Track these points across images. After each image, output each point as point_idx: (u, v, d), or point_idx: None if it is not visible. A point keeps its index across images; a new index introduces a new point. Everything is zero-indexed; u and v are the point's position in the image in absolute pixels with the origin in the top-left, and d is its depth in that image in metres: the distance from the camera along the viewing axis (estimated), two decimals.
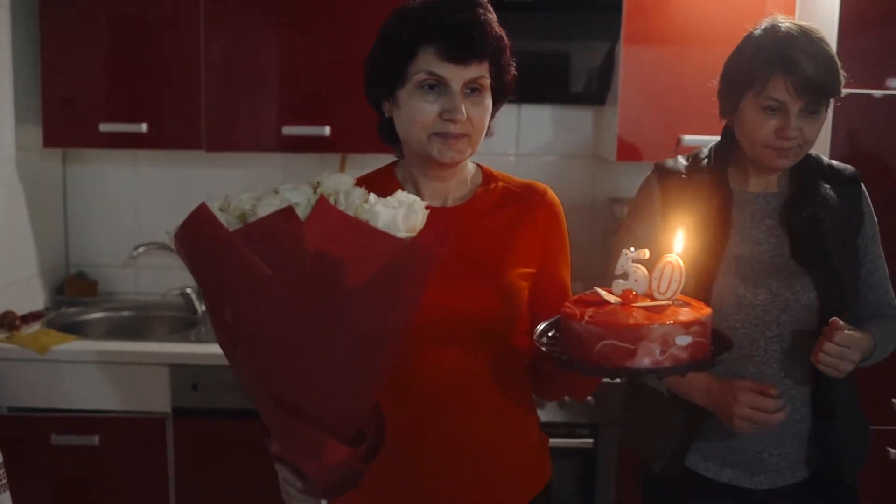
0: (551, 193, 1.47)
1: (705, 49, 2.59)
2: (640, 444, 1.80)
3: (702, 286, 1.62)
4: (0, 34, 2.61)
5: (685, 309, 1.16)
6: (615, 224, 2.89)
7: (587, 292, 1.24)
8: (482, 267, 1.38)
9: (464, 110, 1.30)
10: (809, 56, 1.54)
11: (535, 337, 1.24)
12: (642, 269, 1.19)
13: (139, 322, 2.94)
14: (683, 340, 1.11)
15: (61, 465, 2.51)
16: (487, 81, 1.34)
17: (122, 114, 2.66)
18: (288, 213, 0.97)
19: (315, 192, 1.02)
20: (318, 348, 1.05)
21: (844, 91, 2.56)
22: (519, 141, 3.04)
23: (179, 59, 2.64)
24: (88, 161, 3.05)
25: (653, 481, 1.81)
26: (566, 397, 2.45)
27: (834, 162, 1.76)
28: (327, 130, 2.62)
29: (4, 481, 1.82)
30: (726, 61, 1.70)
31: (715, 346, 1.18)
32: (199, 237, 1.01)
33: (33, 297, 2.86)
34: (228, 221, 1.02)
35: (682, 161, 1.76)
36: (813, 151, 1.71)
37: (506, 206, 1.44)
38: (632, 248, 1.20)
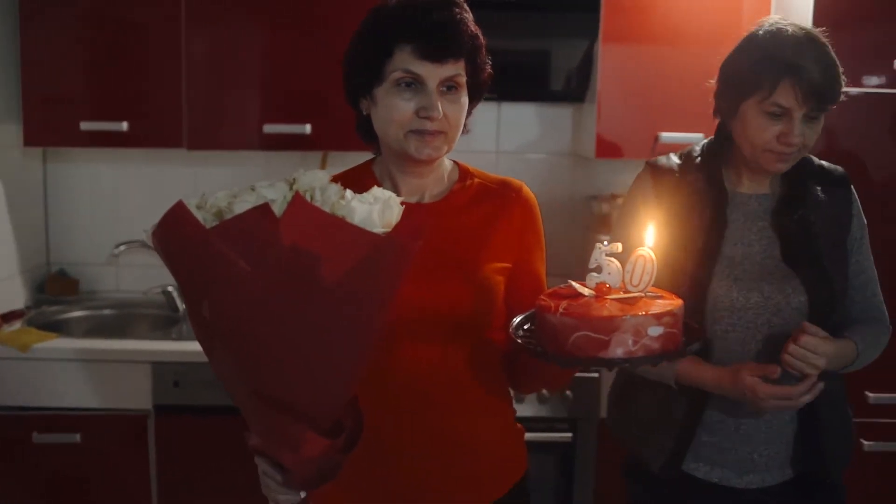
0: (527, 189, 1.49)
1: (683, 47, 2.63)
2: (635, 443, 1.78)
3: (696, 288, 1.62)
4: None
5: (657, 301, 1.19)
6: (594, 220, 2.92)
7: (562, 286, 1.26)
8: (458, 262, 1.40)
9: (440, 108, 1.32)
10: (817, 63, 1.53)
11: (511, 330, 1.27)
12: (615, 263, 1.21)
13: (121, 320, 2.95)
14: (655, 331, 1.14)
15: (43, 463, 2.51)
16: (463, 79, 1.36)
17: (103, 112, 2.66)
18: (264, 209, 0.98)
19: (291, 188, 1.04)
20: (295, 343, 1.06)
21: None
22: (499, 139, 3.07)
23: (161, 57, 2.64)
24: (69, 159, 3.05)
25: (640, 481, 1.81)
26: (545, 391, 2.48)
27: (824, 163, 1.76)
28: (308, 128, 2.63)
29: None
30: (725, 62, 1.67)
31: (687, 337, 1.21)
32: (176, 235, 1.02)
33: (14, 296, 2.85)
34: (205, 219, 1.03)
35: (675, 159, 1.74)
36: None
37: (482, 203, 1.46)
38: (605, 242, 1.22)
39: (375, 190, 1.08)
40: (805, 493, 1.71)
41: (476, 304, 1.40)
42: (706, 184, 1.68)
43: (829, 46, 1.57)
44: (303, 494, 1.22)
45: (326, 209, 1.02)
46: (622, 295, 1.20)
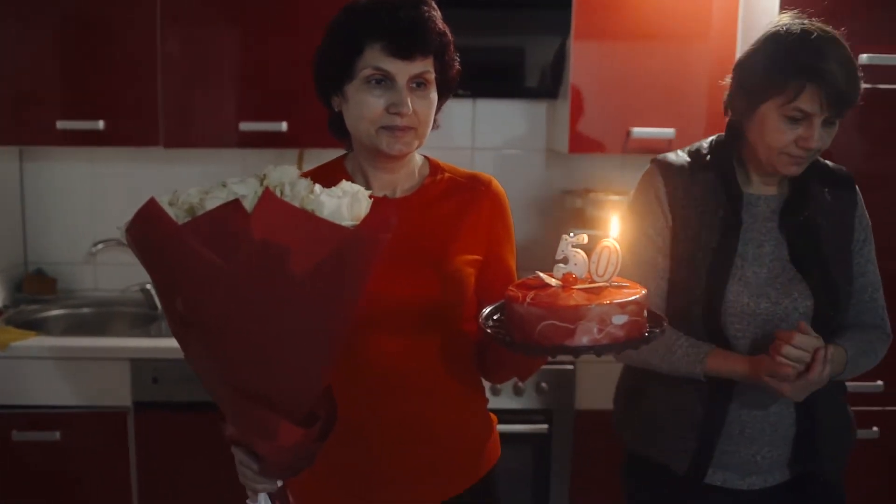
0: (496, 183, 1.52)
1: (653, 44, 2.67)
2: (645, 443, 1.75)
3: (714, 287, 1.61)
4: None
5: (622, 290, 1.22)
6: (569, 215, 2.95)
7: (530, 277, 1.29)
8: (429, 255, 1.43)
9: (409, 104, 1.35)
10: (841, 67, 1.51)
11: (480, 320, 1.29)
12: (582, 254, 1.24)
13: (99, 318, 2.95)
14: (620, 319, 1.17)
15: (23, 461, 2.51)
16: (432, 76, 1.39)
17: (79, 111, 2.66)
18: (235, 205, 1.00)
19: (261, 184, 1.06)
20: (268, 335, 1.08)
21: None
22: (475, 135, 3.09)
23: (136, 55, 2.64)
24: (45, 158, 3.05)
25: (643, 481, 1.79)
26: (521, 384, 2.52)
27: (829, 163, 1.73)
28: (284, 126, 2.65)
29: None
30: (743, 60, 1.63)
31: (651, 325, 1.24)
32: (149, 231, 1.04)
33: None
34: (177, 215, 1.05)
35: (684, 156, 1.71)
36: None
37: (452, 196, 1.48)
38: (572, 234, 1.25)
39: (344, 184, 1.11)
40: (804, 492, 1.71)
41: (446, 295, 1.42)
42: (718, 183, 1.66)
43: (847, 48, 1.54)
44: (279, 483, 1.25)
45: (296, 203, 1.05)
46: (588, 285, 1.23)
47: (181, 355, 1.18)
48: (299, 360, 1.13)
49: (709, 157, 1.69)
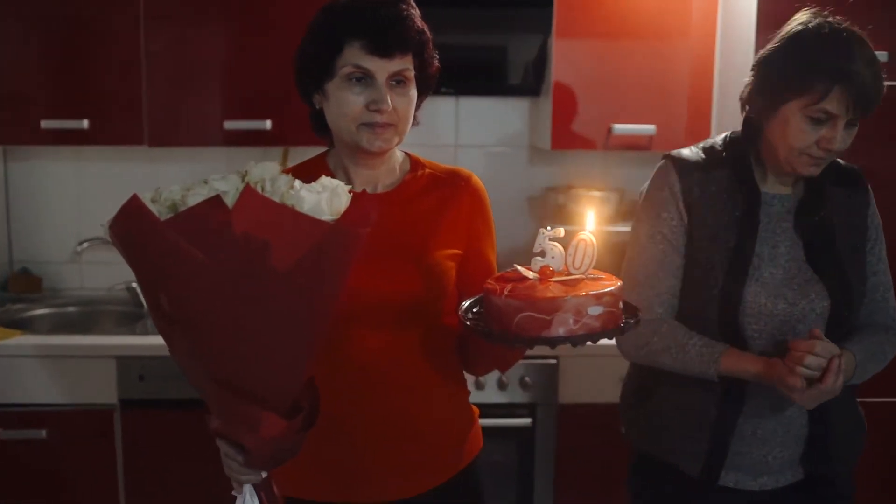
0: (475, 179, 1.55)
1: (633, 42, 2.70)
2: (654, 443, 1.73)
3: (732, 287, 1.59)
4: None
5: (598, 282, 1.24)
6: (551, 211, 2.98)
7: (508, 270, 1.32)
8: (410, 249, 1.45)
9: (389, 101, 1.37)
10: (868, 69, 1.48)
11: (460, 312, 1.32)
12: (558, 247, 1.27)
13: (85, 317, 2.95)
14: (595, 310, 1.19)
15: (9, 459, 2.52)
16: (412, 73, 1.41)
17: (64, 110, 2.67)
18: (216, 201, 1.02)
19: (243, 180, 1.08)
20: (250, 328, 1.10)
21: None
22: (458, 132, 3.12)
23: (120, 54, 2.65)
24: (30, 158, 3.05)
25: (651, 481, 1.77)
26: (504, 377, 2.54)
27: (840, 161, 1.70)
28: (269, 124, 2.67)
29: None
30: (767, 58, 1.59)
31: (627, 315, 1.27)
32: (132, 228, 1.06)
33: None
34: (160, 212, 1.07)
35: (698, 152, 1.67)
36: None
37: (432, 192, 1.51)
38: (548, 227, 1.28)
39: (324, 179, 1.13)
40: (815, 492, 1.70)
41: (427, 289, 1.45)
42: (735, 181, 1.63)
43: (872, 48, 1.52)
44: (264, 474, 1.26)
45: (276, 199, 1.06)
46: (565, 277, 1.25)
47: (167, 353, 1.19)
48: (281, 354, 1.14)
49: (724, 154, 1.66)
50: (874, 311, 1.70)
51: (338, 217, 1.10)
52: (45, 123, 2.65)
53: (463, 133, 3.12)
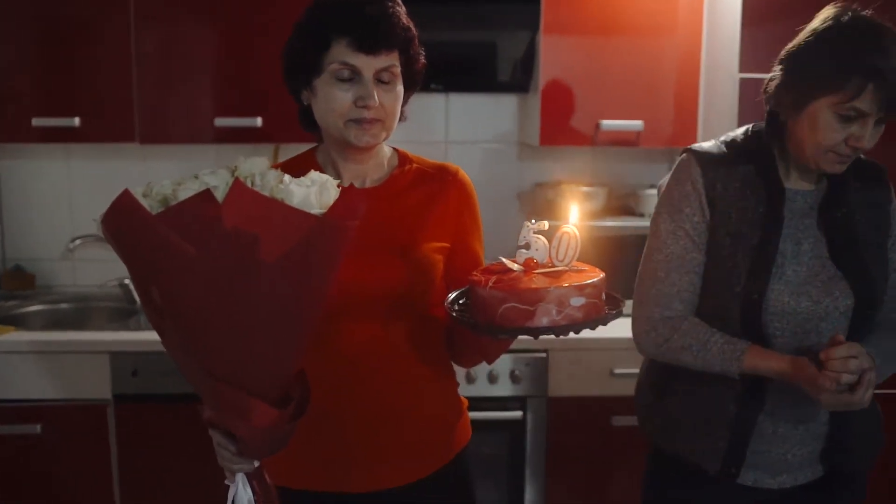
0: (462, 173, 1.57)
1: (620, 38, 2.73)
2: (679, 443, 1.69)
3: (755, 285, 1.56)
4: None
5: (581, 274, 1.27)
6: (540, 206, 3.01)
7: (493, 262, 1.35)
8: (398, 242, 1.48)
9: (376, 97, 1.40)
10: None
11: (446, 304, 1.35)
12: (542, 240, 1.30)
13: (78, 313, 2.97)
14: (578, 301, 1.22)
15: (4, 454, 2.54)
16: (398, 70, 1.43)
17: (55, 108, 2.68)
18: (206, 195, 1.04)
19: (232, 175, 1.10)
20: (240, 321, 1.12)
21: (750, 75, 2.64)
22: (448, 128, 3.14)
23: (111, 52, 2.67)
24: (22, 156, 3.07)
25: (668, 478, 1.75)
26: (492, 367, 2.57)
27: (862, 156, 1.64)
28: (259, 122, 2.69)
29: None
30: (796, 53, 1.54)
31: (610, 307, 1.29)
32: (124, 222, 1.07)
33: None
34: (151, 206, 1.09)
35: (721, 147, 1.64)
36: None
37: (420, 186, 1.53)
38: (532, 221, 1.30)
39: (313, 173, 1.15)
40: (833, 488, 1.69)
41: (415, 282, 1.47)
42: (759, 177, 1.59)
43: None
44: (256, 463, 1.28)
45: (266, 193, 1.08)
46: (549, 269, 1.28)
47: (160, 348, 1.21)
48: (272, 346, 1.16)
49: (747, 148, 1.62)
50: (893, 310, 1.68)
51: (326, 210, 1.12)
52: (36, 121, 2.67)
53: (453, 129, 3.15)
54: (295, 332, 1.19)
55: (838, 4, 1.55)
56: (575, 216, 1.31)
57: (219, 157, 3.04)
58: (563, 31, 2.72)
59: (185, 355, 1.19)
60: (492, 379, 2.60)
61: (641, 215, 2.89)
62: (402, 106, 1.48)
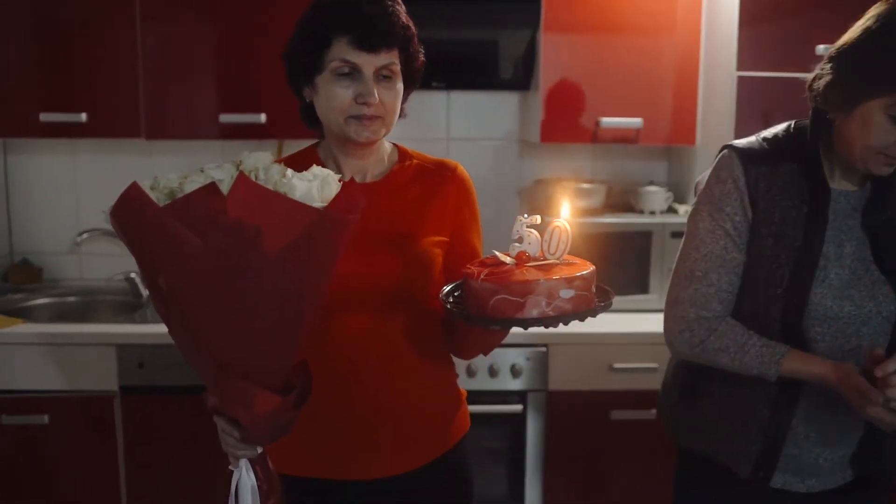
0: (461, 169, 1.61)
1: (620, 36, 2.76)
2: (710, 446, 1.67)
3: (799, 288, 1.52)
4: None
5: (572, 267, 1.30)
6: (541, 203, 3.05)
7: (487, 256, 1.38)
8: (398, 237, 1.51)
9: (376, 94, 1.43)
10: None
11: (441, 296, 1.38)
12: (535, 234, 1.33)
13: (85, 306, 3.01)
14: (567, 293, 1.24)
15: (12, 444, 2.58)
16: (398, 67, 1.47)
17: (62, 104, 2.72)
18: (212, 188, 1.07)
19: (237, 169, 1.14)
20: (243, 311, 1.15)
21: (748, 74, 2.63)
22: (450, 126, 3.18)
23: (117, 49, 2.71)
24: (29, 151, 3.11)
25: (697, 482, 1.73)
26: (486, 358, 2.60)
27: None
28: (263, 118, 2.72)
29: None
30: (849, 51, 1.48)
31: (599, 299, 1.32)
32: (131, 213, 1.11)
33: None
34: (158, 198, 1.12)
35: (763, 144, 1.59)
36: None
37: (420, 181, 1.57)
38: (525, 215, 1.33)
39: (315, 168, 1.18)
40: (862, 494, 1.66)
41: (414, 275, 1.50)
42: (803, 176, 1.55)
43: None
44: (259, 449, 1.32)
45: (269, 187, 1.12)
46: (540, 262, 1.31)
47: (166, 341, 1.24)
48: (274, 336, 1.19)
49: (790, 146, 1.58)
50: None
51: (328, 204, 1.16)
52: (43, 117, 2.71)
53: (454, 127, 3.18)
54: (296, 323, 1.22)
55: (890, 1, 1.48)
56: (566, 211, 1.34)
57: (223, 153, 3.07)
58: (564, 30, 2.76)
59: (191, 343, 1.22)
60: (492, 373, 2.63)
61: (641, 212, 2.92)
62: (402, 103, 1.52)
